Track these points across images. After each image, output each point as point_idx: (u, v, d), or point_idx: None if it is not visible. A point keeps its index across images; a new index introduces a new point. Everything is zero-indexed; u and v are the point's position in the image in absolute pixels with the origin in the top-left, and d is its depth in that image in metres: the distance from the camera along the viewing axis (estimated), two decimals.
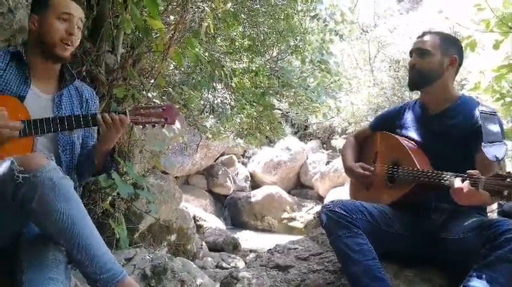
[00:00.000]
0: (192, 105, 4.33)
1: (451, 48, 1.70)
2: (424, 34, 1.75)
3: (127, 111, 1.49)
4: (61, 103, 1.57)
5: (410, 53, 1.77)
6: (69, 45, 1.50)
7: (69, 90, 1.62)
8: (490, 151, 1.44)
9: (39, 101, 1.51)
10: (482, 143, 1.47)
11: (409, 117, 1.82)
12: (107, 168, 1.66)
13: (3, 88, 1.43)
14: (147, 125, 1.52)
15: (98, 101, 1.76)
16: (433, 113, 1.73)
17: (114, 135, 1.50)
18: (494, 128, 1.52)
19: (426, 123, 1.74)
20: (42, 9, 1.49)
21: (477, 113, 1.60)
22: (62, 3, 1.49)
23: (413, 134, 1.76)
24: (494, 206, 2.24)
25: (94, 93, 1.74)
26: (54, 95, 1.56)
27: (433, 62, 1.68)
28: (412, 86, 1.77)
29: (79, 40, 1.55)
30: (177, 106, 4.01)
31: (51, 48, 1.48)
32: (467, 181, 1.36)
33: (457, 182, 1.39)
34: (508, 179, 1.26)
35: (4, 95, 1.43)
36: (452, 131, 1.64)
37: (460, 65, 1.72)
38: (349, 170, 1.88)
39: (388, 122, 1.90)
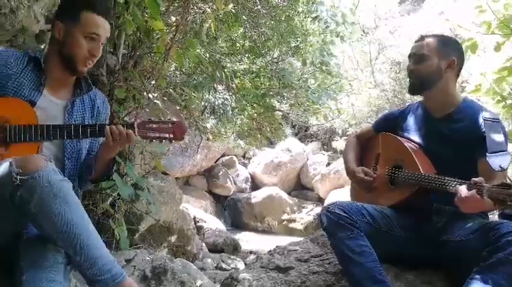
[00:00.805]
0: (193, 106, 4.33)
1: (449, 50, 1.68)
2: (421, 38, 1.73)
3: (135, 125, 1.46)
4: (73, 110, 1.55)
5: (409, 57, 1.76)
6: (90, 63, 1.50)
7: (82, 98, 1.59)
8: (495, 161, 1.44)
9: (51, 106, 1.50)
10: (487, 153, 1.47)
11: (412, 119, 1.81)
12: (109, 174, 1.65)
13: (15, 91, 1.42)
14: (154, 140, 1.50)
15: (109, 110, 1.73)
16: (437, 117, 1.71)
17: (118, 147, 1.49)
18: (499, 137, 1.52)
19: (429, 127, 1.73)
20: (70, 21, 1.45)
21: (481, 119, 1.59)
22: (93, 23, 1.46)
23: (416, 136, 1.75)
24: None
25: (106, 102, 1.72)
26: (67, 101, 1.54)
27: (431, 66, 1.66)
28: (413, 91, 1.77)
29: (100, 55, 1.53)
30: (178, 107, 4.03)
31: (72, 63, 1.47)
32: (472, 189, 1.35)
33: (462, 190, 1.37)
34: None
35: (15, 98, 1.42)
36: (456, 135, 1.63)
37: (460, 66, 1.70)
38: (350, 173, 1.87)
39: (391, 124, 1.89)
